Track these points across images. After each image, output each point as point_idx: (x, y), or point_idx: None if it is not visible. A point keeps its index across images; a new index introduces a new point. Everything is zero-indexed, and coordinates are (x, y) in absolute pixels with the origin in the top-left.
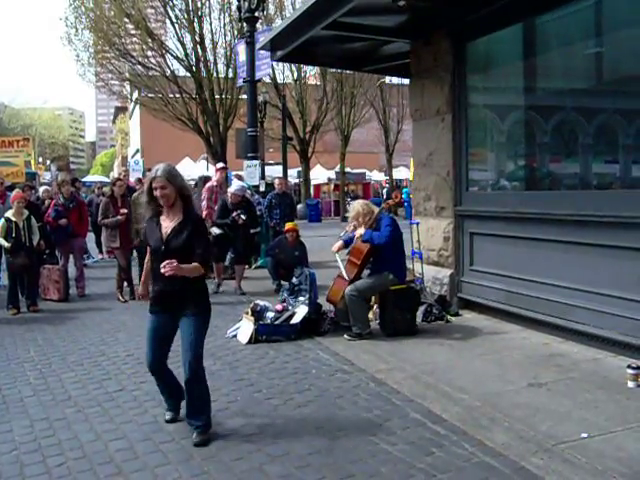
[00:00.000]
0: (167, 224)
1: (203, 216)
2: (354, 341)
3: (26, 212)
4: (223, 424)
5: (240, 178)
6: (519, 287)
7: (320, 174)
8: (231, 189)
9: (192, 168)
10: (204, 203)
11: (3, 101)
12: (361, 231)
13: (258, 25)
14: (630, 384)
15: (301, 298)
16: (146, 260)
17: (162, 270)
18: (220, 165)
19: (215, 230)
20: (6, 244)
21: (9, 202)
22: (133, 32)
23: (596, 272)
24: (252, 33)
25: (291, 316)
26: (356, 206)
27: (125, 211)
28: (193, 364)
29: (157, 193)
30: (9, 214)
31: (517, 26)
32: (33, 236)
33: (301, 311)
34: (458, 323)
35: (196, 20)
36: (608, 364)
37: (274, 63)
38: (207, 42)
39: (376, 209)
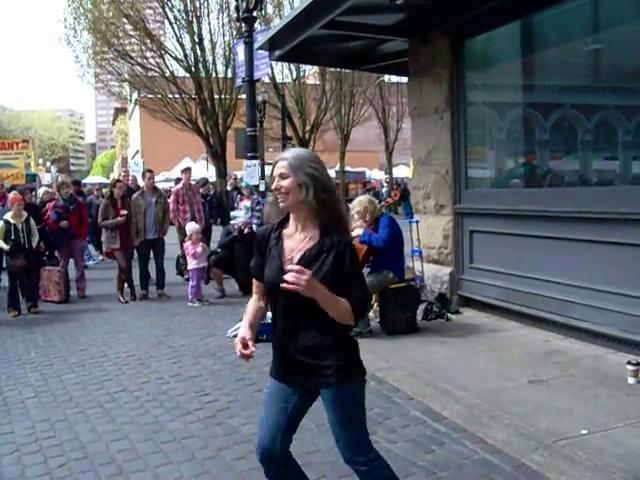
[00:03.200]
0: (292, 244)
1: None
2: None
3: (25, 214)
4: (224, 423)
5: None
6: (519, 284)
7: None
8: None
9: (192, 168)
10: (172, 206)
11: (2, 103)
12: (359, 232)
13: (256, 25)
14: (630, 380)
15: None
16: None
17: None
18: (184, 167)
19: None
20: (5, 246)
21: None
22: (132, 33)
23: (596, 269)
24: (250, 33)
25: None
26: (364, 201)
27: (125, 212)
28: (360, 462)
29: (273, 185)
30: (8, 216)
31: (515, 23)
32: (32, 238)
33: None
34: (458, 321)
35: (195, 20)
36: (608, 360)
37: (273, 63)
38: (206, 42)
39: (378, 206)
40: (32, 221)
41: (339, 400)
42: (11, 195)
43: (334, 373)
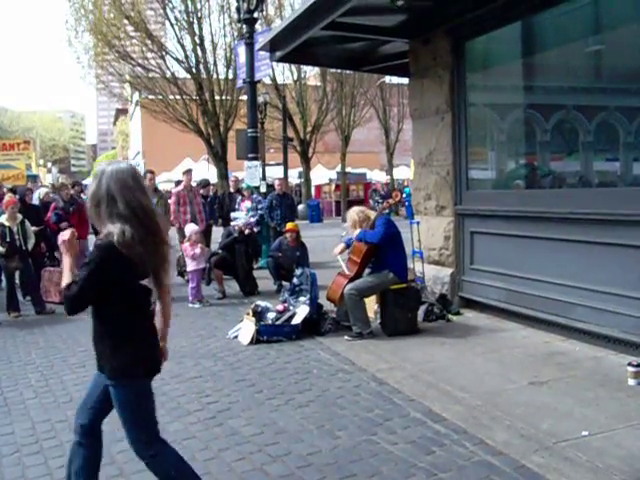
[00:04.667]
0: None
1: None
2: (355, 341)
3: (20, 217)
4: (224, 425)
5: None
6: (520, 285)
7: (321, 174)
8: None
9: (193, 169)
10: (172, 208)
11: (3, 104)
12: (356, 232)
13: (257, 26)
14: (631, 382)
15: (302, 298)
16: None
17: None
18: (185, 168)
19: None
20: (1, 249)
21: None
22: (133, 34)
23: (597, 270)
24: (251, 34)
25: (292, 316)
26: (352, 214)
27: None
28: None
29: None
30: (2, 219)
31: (516, 24)
32: (28, 240)
33: (302, 311)
34: (459, 322)
35: (196, 21)
36: (609, 362)
37: (274, 64)
38: (207, 43)
39: (372, 214)
40: (27, 223)
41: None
42: (5, 198)
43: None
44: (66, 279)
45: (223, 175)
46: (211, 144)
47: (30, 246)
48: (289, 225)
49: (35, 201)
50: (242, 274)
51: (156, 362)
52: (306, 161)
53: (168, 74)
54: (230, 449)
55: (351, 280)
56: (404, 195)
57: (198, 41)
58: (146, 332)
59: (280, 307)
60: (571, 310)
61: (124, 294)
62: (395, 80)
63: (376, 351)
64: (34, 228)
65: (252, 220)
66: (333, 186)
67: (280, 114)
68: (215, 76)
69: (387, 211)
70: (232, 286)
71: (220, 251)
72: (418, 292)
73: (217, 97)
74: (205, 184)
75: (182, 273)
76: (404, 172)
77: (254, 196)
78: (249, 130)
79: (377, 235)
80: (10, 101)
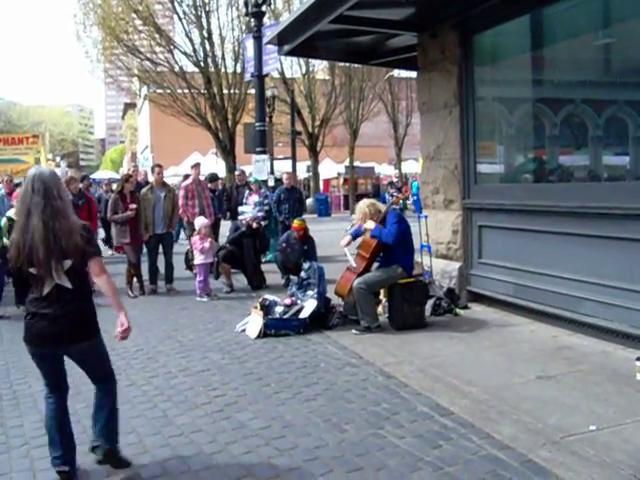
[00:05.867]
0: None
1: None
2: (362, 335)
3: None
4: (232, 418)
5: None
6: (528, 280)
7: (329, 168)
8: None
9: (201, 163)
10: (180, 201)
11: (12, 99)
12: (370, 225)
13: (265, 20)
14: (639, 377)
15: (310, 292)
16: None
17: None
18: (193, 162)
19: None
20: (8, 242)
21: None
22: (141, 28)
23: (605, 264)
24: (259, 28)
25: (300, 310)
26: (362, 207)
27: (134, 206)
28: None
29: None
30: (11, 213)
31: (524, 17)
32: None
33: (310, 305)
34: (467, 316)
35: (204, 15)
36: (617, 357)
37: (282, 58)
38: (215, 37)
39: (382, 207)
40: None
41: None
42: (15, 192)
43: None
44: None
45: (231, 169)
46: (219, 138)
47: None
48: (296, 224)
49: None
50: (250, 268)
51: (27, 336)
52: (314, 155)
53: (176, 68)
54: (237, 442)
55: (360, 275)
56: (413, 189)
57: (206, 35)
58: (32, 309)
59: (288, 301)
60: (579, 304)
61: (23, 277)
62: (404, 74)
63: (384, 345)
64: None
65: (260, 214)
66: (341, 180)
67: (288, 108)
68: (223, 70)
69: (399, 206)
70: (240, 280)
71: (228, 245)
72: (426, 286)
73: (225, 91)
74: (213, 178)
75: (190, 267)
76: (412, 166)
77: (262, 190)
78: (257, 124)
79: (392, 235)
80: (19, 95)
